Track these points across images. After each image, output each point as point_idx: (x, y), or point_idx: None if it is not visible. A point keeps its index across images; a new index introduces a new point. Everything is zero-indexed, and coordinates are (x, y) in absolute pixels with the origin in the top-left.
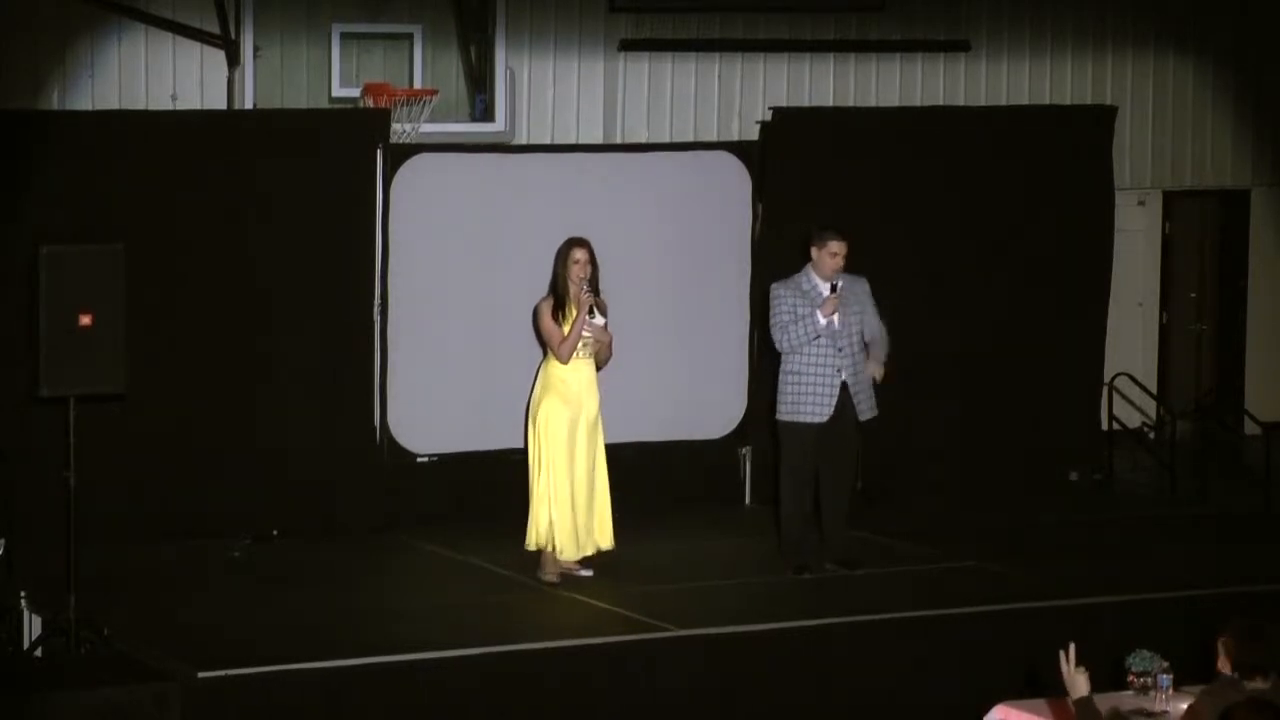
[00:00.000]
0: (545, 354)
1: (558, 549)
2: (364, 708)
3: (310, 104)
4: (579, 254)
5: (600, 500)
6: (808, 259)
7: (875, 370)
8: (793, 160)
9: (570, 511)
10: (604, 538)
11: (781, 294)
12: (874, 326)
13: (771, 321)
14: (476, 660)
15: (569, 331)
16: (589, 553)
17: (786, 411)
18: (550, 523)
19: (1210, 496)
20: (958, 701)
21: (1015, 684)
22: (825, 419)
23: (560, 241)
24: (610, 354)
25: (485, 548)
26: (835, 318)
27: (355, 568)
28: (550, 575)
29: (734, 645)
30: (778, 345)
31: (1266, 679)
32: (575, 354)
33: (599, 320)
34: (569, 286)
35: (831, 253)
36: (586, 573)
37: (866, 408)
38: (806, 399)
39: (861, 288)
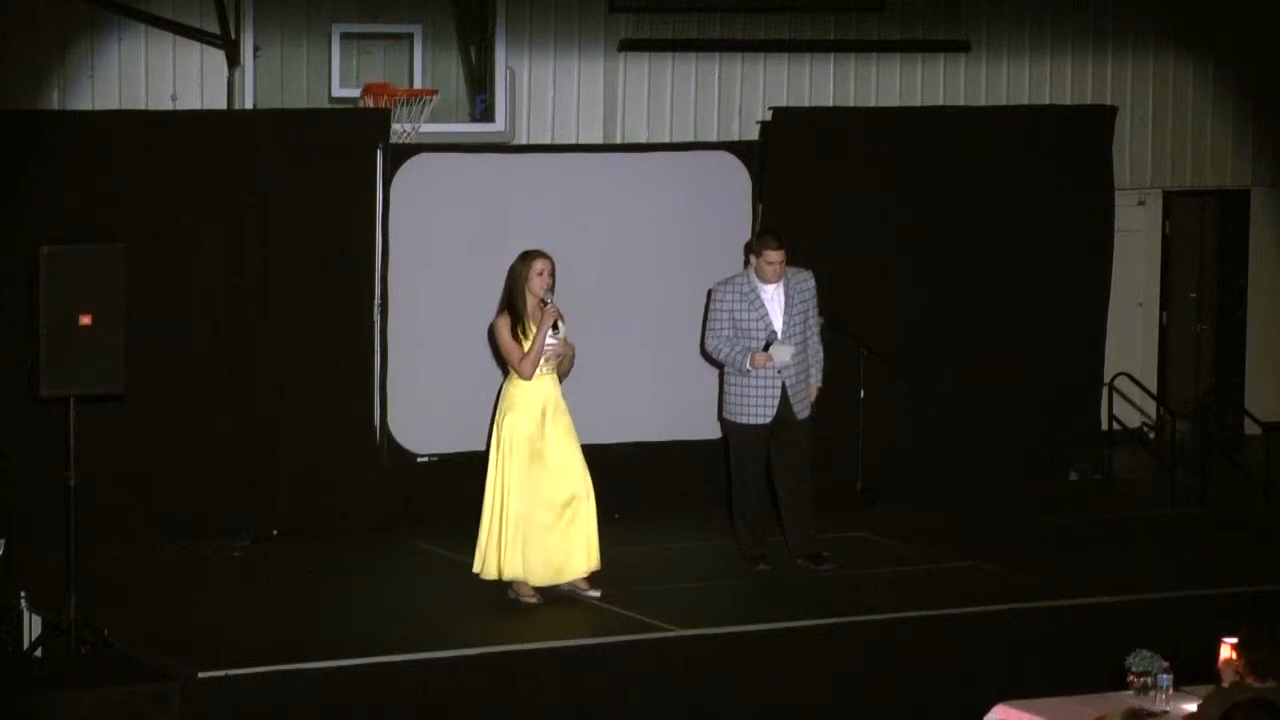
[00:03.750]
0: (507, 373)
1: (516, 575)
2: (364, 708)
3: (310, 104)
4: (542, 265)
5: (584, 518)
6: (749, 259)
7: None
8: (793, 160)
9: (527, 536)
10: (590, 558)
11: (721, 297)
12: (813, 331)
13: (708, 327)
14: (476, 660)
15: (530, 347)
16: (570, 578)
17: (730, 412)
18: (498, 551)
19: (1210, 496)
20: (958, 701)
21: (1015, 684)
22: (768, 420)
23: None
24: (572, 364)
25: None
26: (779, 321)
27: (355, 568)
28: (529, 597)
29: (734, 645)
30: (709, 352)
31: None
32: (538, 369)
33: (560, 332)
34: (527, 300)
35: (768, 261)
36: (594, 594)
37: (802, 408)
38: (749, 401)
39: (807, 285)
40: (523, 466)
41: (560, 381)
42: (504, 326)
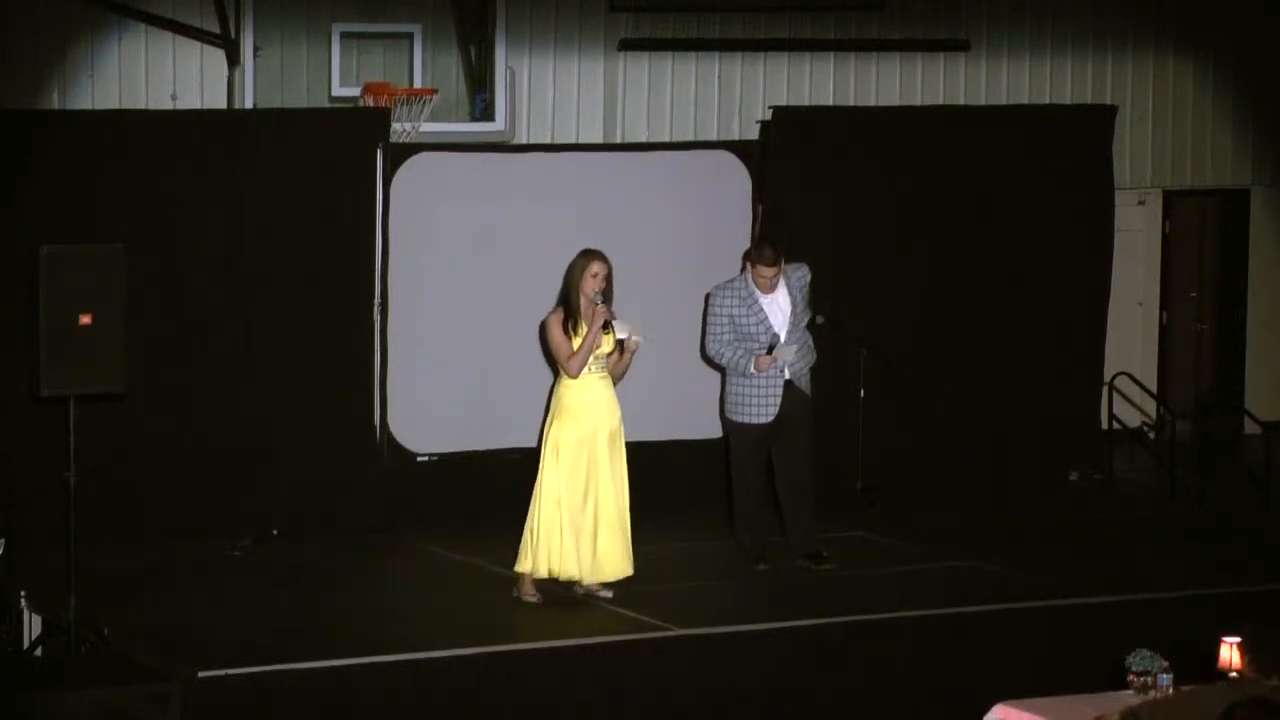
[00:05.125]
0: (556, 373)
1: (557, 574)
2: (364, 708)
3: (310, 104)
4: (597, 268)
5: (621, 524)
6: (745, 265)
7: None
8: (793, 160)
9: (577, 536)
10: (626, 563)
11: (720, 300)
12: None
13: (708, 330)
14: (476, 660)
15: (579, 346)
16: (607, 579)
17: (731, 411)
18: (546, 550)
19: (1210, 496)
20: (958, 701)
21: (1015, 684)
22: (770, 420)
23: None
24: (626, 369)
25: (485, 548)
26: (781, 322)
27: (355, 568)
28: (530, 596)
29: (734, 645)
30: (711, 355)
31: None
32: (586, 369)
33: (631, 337)
34: (581, 300)
35: (760, 275)
36: (607, 594)
37: (806, 385)
38: (751, 401)
39: (804, 280)
40: (571, 469)
41: (615, 383)
42: (555, 323)
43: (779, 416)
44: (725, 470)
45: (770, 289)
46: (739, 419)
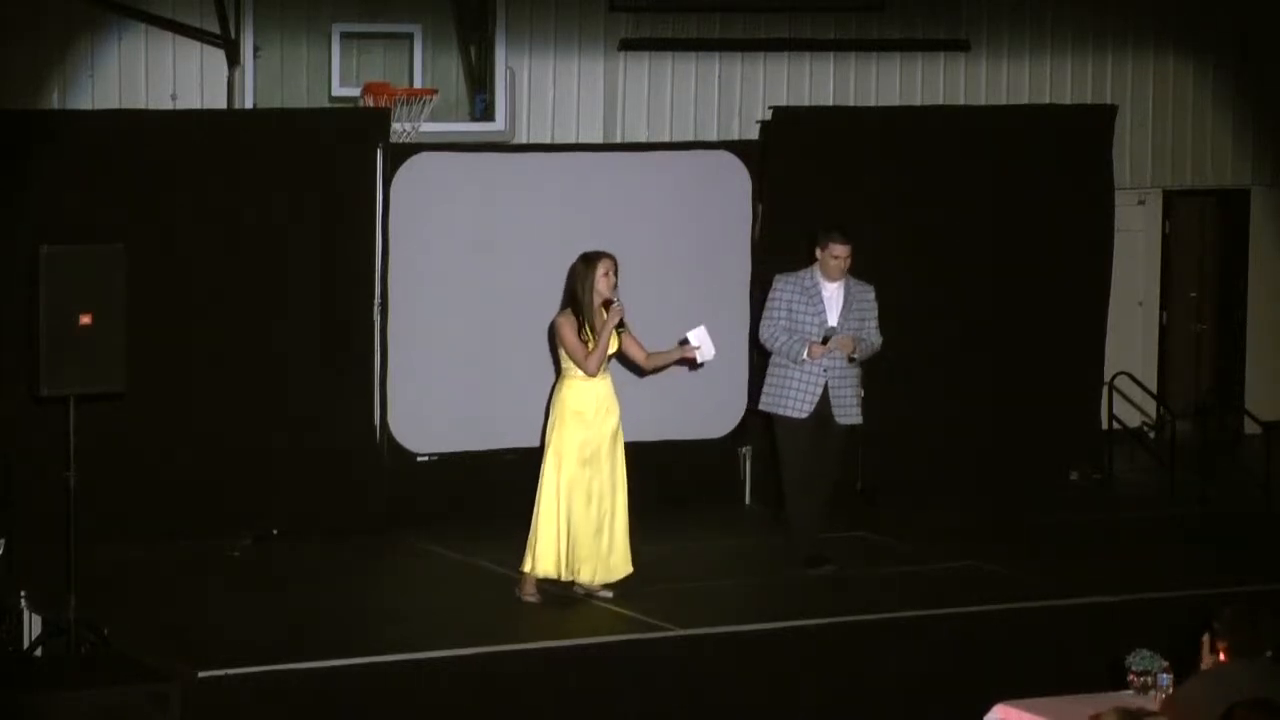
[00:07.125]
0: (559, 374)
1: (556, 575)
2: (364, 708)
3: (310, 104)
4: (606, 265)
5: (620, 524)
6: (814, 256)
7: (847, 343)
8: (793, 160)
9: (579, 537)
10: (627, 562)
11: (782, 288)
12: (871, 334)
13: (765, 315)
14: (476, 660)
15: (594, 345)
16: (612, 579)
17: (767, 402)
18: (546, 551)
19: (1210, 496)
20: (958, 701)
21: (1015, 684)
22: (805, 415)
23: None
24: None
25: (485, 548)
26: (835, 321)
27: (355, 568)
28: (530, 596)
29: (734, 645)
30: (764, 340)
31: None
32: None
33: (701, 351)
34: (593, 300)
35: (833, 255)
36: (607, 594)
37: (847, 413)
38: (789, 394)
39: (867, 296)
40: (574, 471)
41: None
42: (567, 325)
43: (817, 416)
44: (775, 471)
45: (840, 275)
46: (775, 410)
